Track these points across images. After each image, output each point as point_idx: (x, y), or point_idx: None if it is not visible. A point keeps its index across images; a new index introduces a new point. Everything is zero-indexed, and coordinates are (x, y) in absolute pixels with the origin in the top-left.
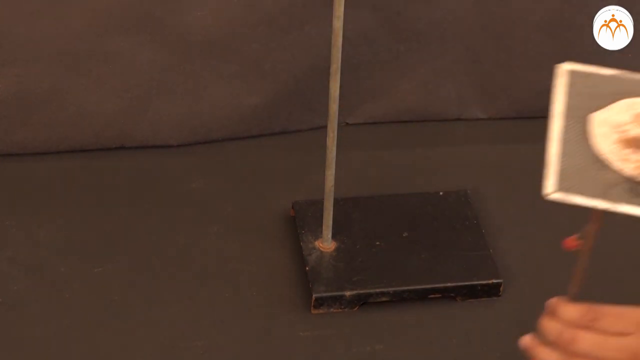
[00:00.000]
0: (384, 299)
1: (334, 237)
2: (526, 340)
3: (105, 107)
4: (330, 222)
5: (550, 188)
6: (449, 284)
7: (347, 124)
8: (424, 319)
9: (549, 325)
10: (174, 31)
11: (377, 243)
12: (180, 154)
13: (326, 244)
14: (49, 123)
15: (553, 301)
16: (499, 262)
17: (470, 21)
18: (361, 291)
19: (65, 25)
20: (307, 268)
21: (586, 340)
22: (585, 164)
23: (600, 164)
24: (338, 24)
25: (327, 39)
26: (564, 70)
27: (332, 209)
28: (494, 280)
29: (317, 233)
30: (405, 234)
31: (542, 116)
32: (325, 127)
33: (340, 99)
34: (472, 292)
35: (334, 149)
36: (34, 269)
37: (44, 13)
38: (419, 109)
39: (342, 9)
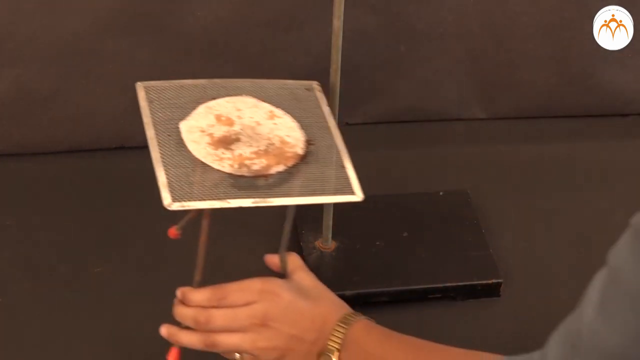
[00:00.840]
0: (384, 299)
1: (334, 237)
2: (165, 329)
3: (105, 107)
4: (330, 222)
5: (167, 200)
6: (449, 284)
7: (347, 124)
8: (424, 319)
9: (182, 312)
10: (174, 31)
11: (377, 243)
12: None
13: (326, 244)
14: (49, 123)
15: (180, 290)
16: (499, 262)
17: (470, 21)
18: (361, 291)
19: (65, 25)
20: None
21: (220, 317)
22: (190, 171)
23: (202, 168)
24: (338, 24)
25: (327, 39)
26: (140, 88)
27: (332, 208)
28: (494, 280)
29: (317, 233)
30: (405, 234)
31: (542, 116)
32: None
33: (340, 99)
34: (472, 292)
35: None
36: (34, 269)
37: (44, 13)
38: (419, 109)
39: (342, 9)
